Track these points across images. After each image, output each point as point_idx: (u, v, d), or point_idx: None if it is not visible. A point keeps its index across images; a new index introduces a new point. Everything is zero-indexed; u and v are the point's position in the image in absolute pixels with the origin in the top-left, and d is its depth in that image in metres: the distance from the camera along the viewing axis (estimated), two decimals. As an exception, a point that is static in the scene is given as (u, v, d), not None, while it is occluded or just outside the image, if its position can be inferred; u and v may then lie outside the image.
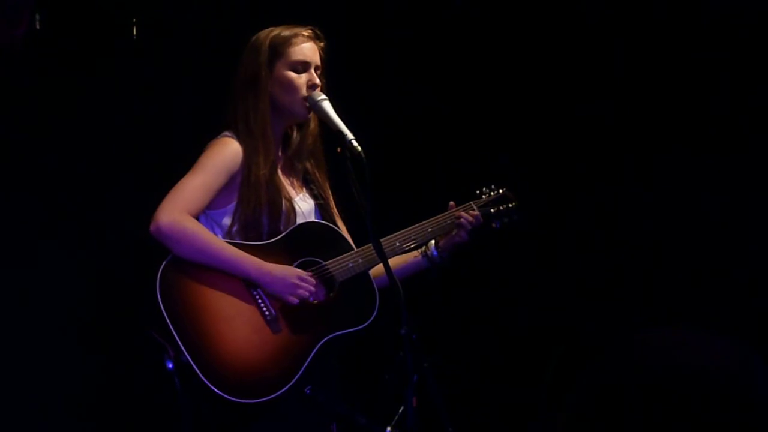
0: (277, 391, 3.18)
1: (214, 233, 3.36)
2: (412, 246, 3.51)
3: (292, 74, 3.41)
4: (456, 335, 4.87)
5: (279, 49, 3.41)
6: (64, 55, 4.36)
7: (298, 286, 3.27)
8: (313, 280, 3.31)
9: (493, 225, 3.65)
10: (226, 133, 3.43)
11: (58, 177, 4.31)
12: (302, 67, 3.42)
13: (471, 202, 3.64)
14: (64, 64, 4.36)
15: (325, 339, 3.28)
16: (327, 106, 3.36)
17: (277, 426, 3.26)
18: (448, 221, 3.55)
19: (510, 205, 3.68)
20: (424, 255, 3.56)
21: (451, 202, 3.60)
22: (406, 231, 3.50)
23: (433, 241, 3.56)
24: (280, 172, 3.47)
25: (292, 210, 3.41)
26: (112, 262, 4.31)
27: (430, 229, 3.52)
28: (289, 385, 3.20)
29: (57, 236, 4.28)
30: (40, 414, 4.24)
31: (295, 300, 3.27)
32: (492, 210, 3.66)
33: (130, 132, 4.39)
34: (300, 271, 3.29)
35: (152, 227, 3.25)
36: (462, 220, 3.54)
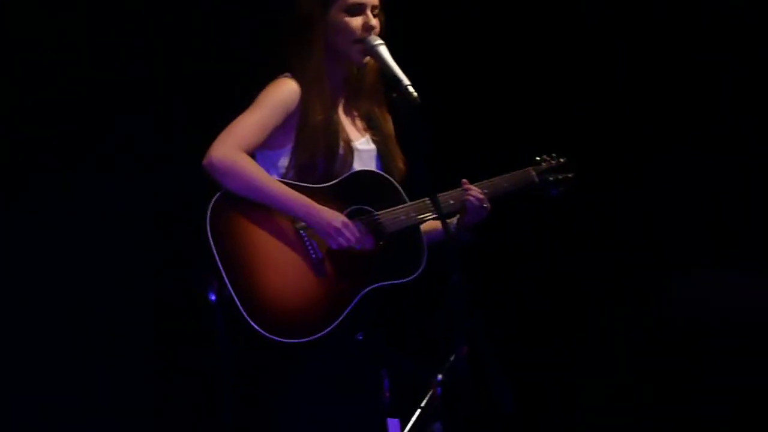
0: (316, 334, 3.16)
1: (270, 174, 3.33)
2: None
3: (347, 17, 3.35)
4: (505, 288, 4.85)
5: None
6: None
7: (340, 233, 3.23)
8: (357, 230, 3.27)
9: (552, 193, 3.61)
10: (286, 74, 3.40)
11: (111, 111, 4.30)
12: (357, 9, 3.36)
13: (530, 168, 3.60)
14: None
15: (369, 288, 3.25)
16: (383, 51, 3.31)
17: (325, 373, 3.25)
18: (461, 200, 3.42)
19: (569, 175, 3.64)
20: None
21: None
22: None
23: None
24: (342, 114, 3.44)
25: (350, 153, 3.38)
26: (162, 197, 4.32)
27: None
28: (328, 329, 3.17)
29: (108, 171, 4.29)
30: (90, 349, 4.28)
31: (334, 245, 3.24)
32: (551, 178, 3.62)
33: (189, 68, 4.38)
34: (346, 220, 3.26)
35: (205, 161, 3.23)
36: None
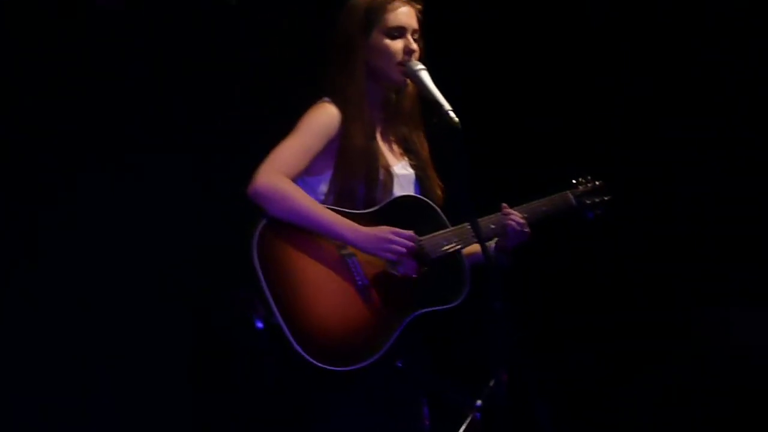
0: (364, 361, 3.18)
1: None
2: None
3: (388, 40, 3.37)
4: (547, 314, 4.87)
5: (375, 14, 3.37)
6: (165, 12, 4.39)
7: (392, 241, 3.25)
8: (409, 234, 3.27)
9: (589, 216, 3.62)
10: (326, 98, 3.41)
11: (163, 136, 4.35)
12: (398, 32, 3.38)
13: (567, 192, 3.61)
14: (166, 21, 4.38)
15: (415, 314, 3.26)
16: (424, 75, 3.32)
17: (367, 399, 3.26)
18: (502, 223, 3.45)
19: (606, 198, 3.65)
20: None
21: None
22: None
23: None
24: (379, 139, 3.45)
25: (390, 179, 3.40)
26: (210, 223, 4.36)
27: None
28: (376, 356, 3.19)
29: (153, 196, 4.33)
30: (131, 363, 4.31)
31: (392, 256, 3.25)
32: (587, 201, 3.62)
33: (232, 93, 4.42)
34: (394, 228, 3.27)
35: (250, 188, 3.25)
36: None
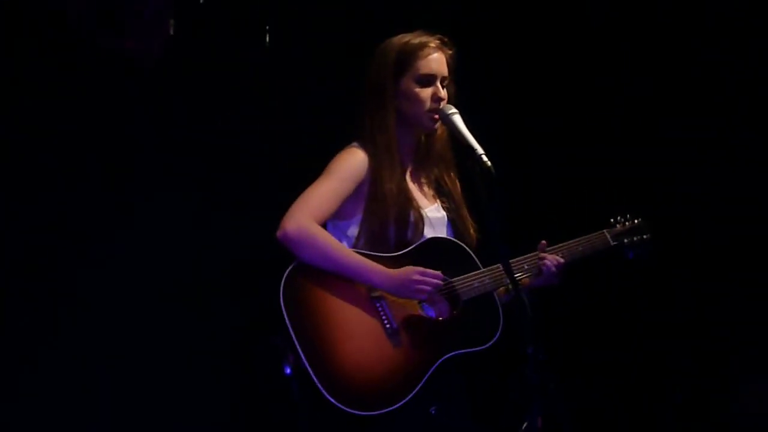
0: (393, 405, 3.13)
1: (341, 243, 3.33)
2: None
3: (418, 88, 3.38)
4: (582, 356, 4.79)
5: (406, 61, 3.38)
6: (197, 62, 4.43)
7: (420, 282, 3.22)
8: (435, 272, 3.24)
9: (629, 256, 3.56)
10: (354, 143, 3.41)
11: (189, 178, 4.36)
12: (428, 80, 3.38)
13: (604, 231, 3.56)
14: (198, 71, 4.42)
15: (445, 357, 3.22)
16: (457, 119, 3.31)
17: None
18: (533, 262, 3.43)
19: (644, 237, 3.59)
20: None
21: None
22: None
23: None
24: (410, 182, 3.44)
25: (421, 220, 3.37)
26: (241, 265, 4.34)
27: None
28: (405, 400, 3.14)
29: (189, 237, 4.34)
30: (158, 415, 4.29)
31: (423, 296, 3.23)
32: (626, 240, 3.57)
33: (258, 138, 4.43)
34: (420, 268, 3.24)
35: (279, 233, 3.24)
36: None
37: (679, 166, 4.81)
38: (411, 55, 3.38)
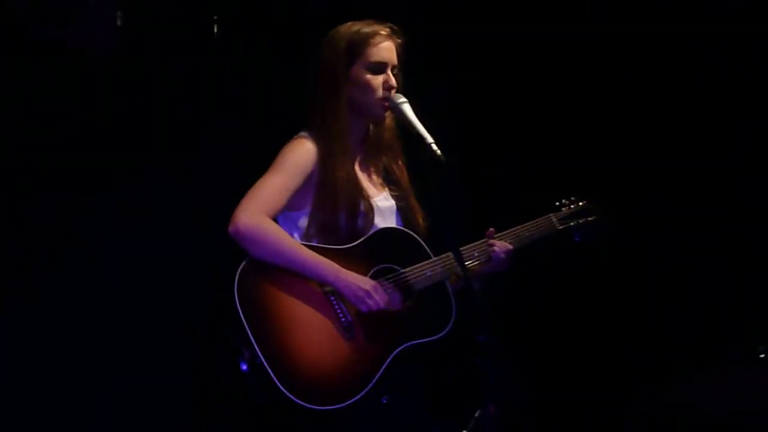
0: (351, 399, 3.15)
1: (292, 234, 3.34)
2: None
3: (369, 75, 3.37)
4: (534, 341, 4.83)
5: (357, 49, 3.37)
6: (145, 52, 4.39)
7: (369, 296, 3.23)
8: (384, 292, 3.27)
9: (576, 239, 3.57)
10: (302, 133, 3.41)
11: (139, 175, 4.33)
12: (379, 67, 3.38)
13: (550, 215, 3.58)
14: (146, 61, 4.38)
15: (401, 348, 3.24)
16: (407, 108, 3.32)
17: None
18: (482, 249, 3.45)
19: (590, 219, 3.60)
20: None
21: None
22: (483, 242, 3.45)
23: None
24: (359, 171, 3.44)
25: (371, 209, 3.38)
26: (191, 263, 4.32)
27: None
28: (362, 393, 3.16)
29: (138, 236, 4.31)
30: (113, 407, 4.28)
31: (365, 308, 3.24)
32: (572, 223, 3.58)
33: (209, 130, 4.41)
34: (374, 283, 3.26)
35: (231, 228, 3.23)
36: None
37: (626, 150, 4.85)
38: (362, 42, 3.37)
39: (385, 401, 3.23)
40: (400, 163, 3.50)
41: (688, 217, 4.84)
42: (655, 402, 4.46)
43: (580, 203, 3.63)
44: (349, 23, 3.43)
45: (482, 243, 3.45)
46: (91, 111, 4.31)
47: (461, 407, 3.16)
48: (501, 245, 3.45)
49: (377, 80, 3.38)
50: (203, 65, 4.43)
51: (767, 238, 4.73)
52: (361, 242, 3.33)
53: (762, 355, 4.15)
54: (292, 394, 3.10)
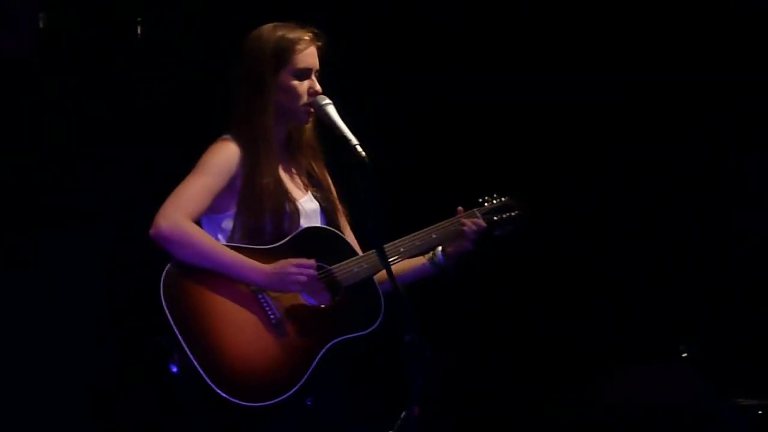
0: (283, 395, 3.17)
1: (216, 237, 3.35)
2: (417, 252, 3.50)
3: (296, 82, 3.39)
4: (461, 341, 4.88)
5: (283, 55, 3.38)
6: (68, 54, 4.37)
7: (297, 274, 3.24)
8: (310, 262, 3.27)
9: (496, 233, 3.64)
10: (226, 135, 3.41)
11: (61, 179, 4.31)
12: (305, 73, 3.41)
13: (474, 210, 3.62)
14: (69, 63, 4.36)
15: (331, 343, 3.27)
16: (331, 110, 3.35)
17: None
18: (453, 228, 3.52)
19: (512, 214, 3.67)
20: (431, 261, 3.54)
21: (459, 208, 3.57)
22: (411, 237, 3.48)
23: (440, 248, 3.54)
24: (283, 174, 3.46)
25: (296, 212, 3.40)
26: (116, 266, 4.31)
27: (434, 235, 3.49)
28: (295, 388, 3.18)
29: (61, 241, 4.29)
30: (45, 418, 4.25)
31: (300, 288, 3.26)
32: (495, 218, 3.64)
33: (133, 133, 4.39)
34: (295, 260, 3.27)
35: (152, 231, 3.23)
36: (465, 228, 3.52)
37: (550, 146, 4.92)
38: (288, 49, 3.38)
39: (309, 403, 3.25)
40: (320, 162, 3.53)
41: (614, 211, 4.93)
42: (576, 399, 4.54)
43: (503, 198, 3.70)
44: (271, 26, 3.43)
45: (445, 222, 3.50)
46: (13, 115, 4.28)
47: (387, 408, 3.19)
48: (472, 222, 3.51)
49: (303, 86, 3.40)
50: (127, 67, 4.42)
51: (700, 235, 4.83)
52: (286, 241, 3.35)
53: (684, 354, 4.24)
54: (224, 392, 3.11)
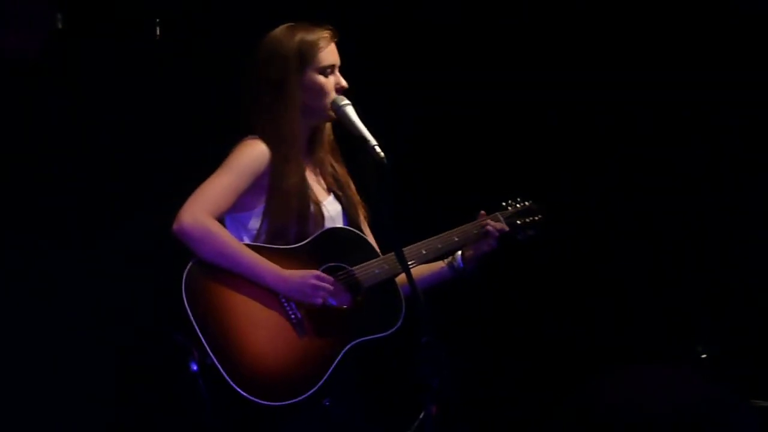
0: (303, 395, 3.18)
1: (240, 236, 3.36)
2: (438, 255, 3.51)
3: (322, 79, 3.41)
4: (477, 343, 4.89)
5: (307, 54, 3.40)
6: (86, 55, 4.38)
7: (316, 287, 3.26)
8: (331, 278, 3.29)
9: (518, 237, 3.65)
10: (253, 135, 3.41)
11: (83, 178, 4.32)
12: (330, 70, 3.43)
13: (497, 213, 3.63)
14: (87, 64, 4.37)
15: (351, 344, 3.28)
16: (350, 111, 3.36)
17: None
18: (475, 231, 3.53)
19: (536, 218, 3.68)
20: (450, 265, 3.55)
21: (482, 212, 3.58)
22: (433, 239, 3.49)
23: (459, 252, 3.55)
24: (308, 175, 3.46)
25: (320, 214, 3.41)
26: (138, 263, 4.32)
27: (456, 239, 3.51)
28: (315, 388, 3.19)
29: (83, 238, 4.30)
30: (64, 417, 4.26)
31: (317, 300, 3.27)
32: (518, 221, 3.65)
33: (156, 132, 4.40)
34: (316, 272, 3.29)
35: (175, 227, 3.25)
36: (489, 228, 3.53)
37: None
38: (310, 49, 3.40)
39: (327, 403, 3.26)
40: (340, 162, 3.54)
41: (628, 212, 4.93)
42: (586, 398, 4.54)
43: (526, 203, 3.72)
44: (286, 28, 3.44)
45: (467, 225, 3.52)
46: (26, 117, 4.29)
47: (404, 410, 3.20)
48: (495, 224, 3.53)
49: (330, 83, 3.41)
50: (145, 68, 4.43)
51: (715, 237, 4.83)
52: (308, 242, 3.37)
53: (704, 356, 4.23)
54: (244, 391, 3.12)
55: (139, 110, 4.42)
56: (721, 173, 4.85)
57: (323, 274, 3.29)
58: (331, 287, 3.28)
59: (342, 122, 3.40)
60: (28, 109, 4.31)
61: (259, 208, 3.39)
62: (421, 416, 2.97)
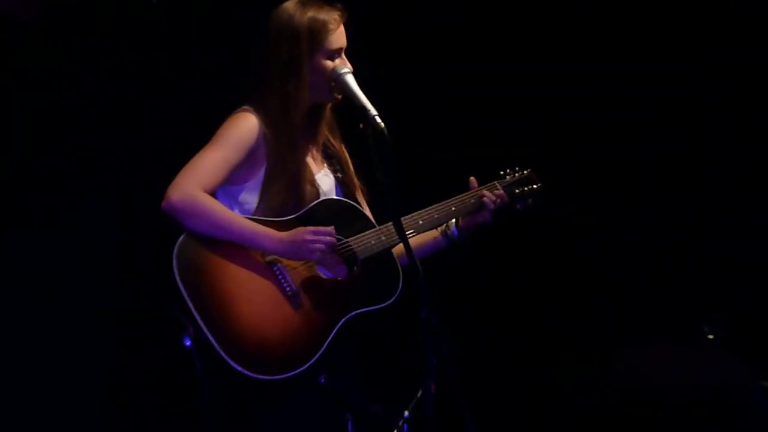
0: (299, 368, 3.15)
1: (232, 209, 3.31)
2: (434, 225, 3.46)
3: (329, 62, 3.35)
4: (475, 319, 4.85)
5: (318, 37, 3.33)
6: (82, 22, 4.31)
7: (314, 241, 3.21)
8: (327, 229, 3.24)
9: (517, 206, 3.58)
10: (245, 106, 3.36)
11: (72, 153, 4.27)
12: (338, 53, 3.37)
13: (495, 182, 3.57)
14: (83, 31, 4.31)
15: (348, 316, 3.24)
16: (350, 79, 3.31)
17: (290, 414, 3.23)
18: (473, 200, 3.49)
19: (534, 186, 3.61)
20: (444, 234, 3.51)
21: (472, 178, 3.52)
22: (429, 209, 3.45)
23: (453, 221, 3.50)
24: (304, 151, 3.41)
25: (314, 187, 3.37)
26: (129, 239, 4.29)
27: (453, 208, 3.46)
28: (311, 361, 3.16)
29: (73, 215, 4.26)
30: (57, 392, 4.25)
31: (317, 255, 3.22)
32: (516, 191, 3.59)
33: (148, 103, 4.34)
34: (311, 227, 3.23)
35: (164, 202, 3.20)
36: (486, 199, 3.48)
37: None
38: (322, 30, 3.34)
39: (322, 381, 3.23)
40: (337, 135, 3.49)
41: (629, 187, 4.88)
42: (594, 376, 4.50)
43: (524, 172, 3.64)
44: (296, 4, 3.36)
45: (463, 195, 3.47)
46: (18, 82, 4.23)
47: (403, 387, 3.16)
48: (494, 194, 3.48)
49: (336, 65, 3.35)
50: (141, 31, 4.37)
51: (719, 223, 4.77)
52: (302, 213, 3.32)
53: (710, 336, 4.19)
54: (239, 365, 3.09)
55: (135, 76, 4.34)
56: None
57: (320, 228, 3.23)
58: (330, 238, 3.22)
59: (342, 91, 3.34)
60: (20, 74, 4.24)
61: (252, 182, 3.34)
62: (419, 393, 2.93)
